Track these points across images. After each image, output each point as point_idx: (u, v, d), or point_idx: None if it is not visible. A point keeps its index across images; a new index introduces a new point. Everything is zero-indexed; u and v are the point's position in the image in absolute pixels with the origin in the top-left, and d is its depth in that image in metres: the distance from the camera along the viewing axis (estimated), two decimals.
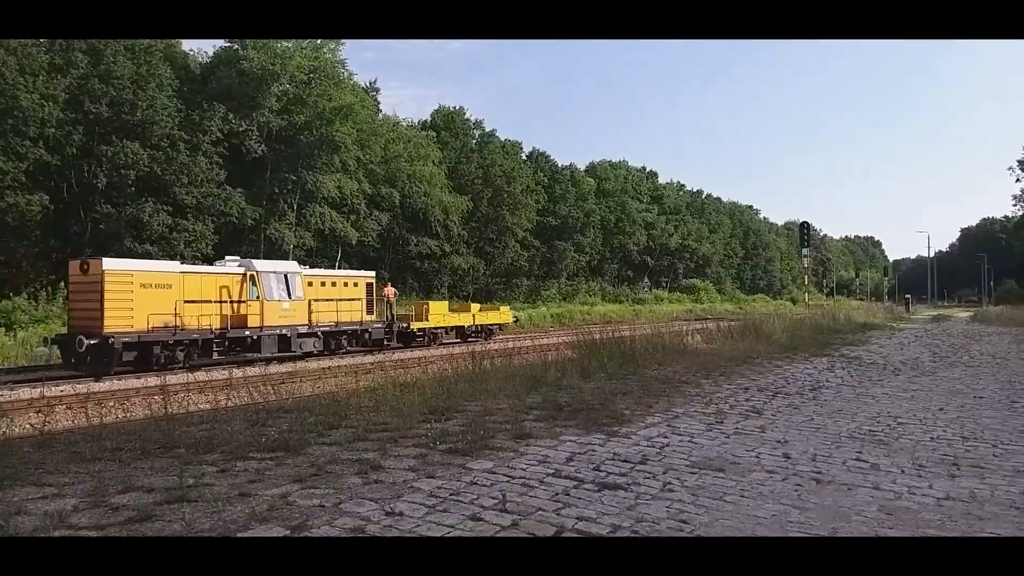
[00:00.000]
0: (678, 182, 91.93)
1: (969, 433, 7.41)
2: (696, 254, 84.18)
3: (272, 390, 9.77)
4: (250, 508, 4.56)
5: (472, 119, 60.31)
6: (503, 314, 34.23)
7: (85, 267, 19.30)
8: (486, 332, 31.88)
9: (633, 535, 4.20)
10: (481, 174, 55.38)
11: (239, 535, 4.08)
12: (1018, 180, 71.05)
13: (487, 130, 60.99)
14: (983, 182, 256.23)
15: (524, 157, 65.02)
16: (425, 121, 57.86)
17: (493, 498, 4.85)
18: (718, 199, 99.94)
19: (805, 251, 39.35)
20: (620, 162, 79.05)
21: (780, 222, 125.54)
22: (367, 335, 26.10)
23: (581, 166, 73.00)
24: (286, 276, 23.63)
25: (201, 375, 18.17)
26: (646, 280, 76.97)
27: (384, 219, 45.45)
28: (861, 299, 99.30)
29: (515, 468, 5.67)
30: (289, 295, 23.42)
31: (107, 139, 32.35)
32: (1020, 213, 75.58)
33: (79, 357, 18.29)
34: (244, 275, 22.44)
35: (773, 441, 6.89)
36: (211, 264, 25.21)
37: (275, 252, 38.52)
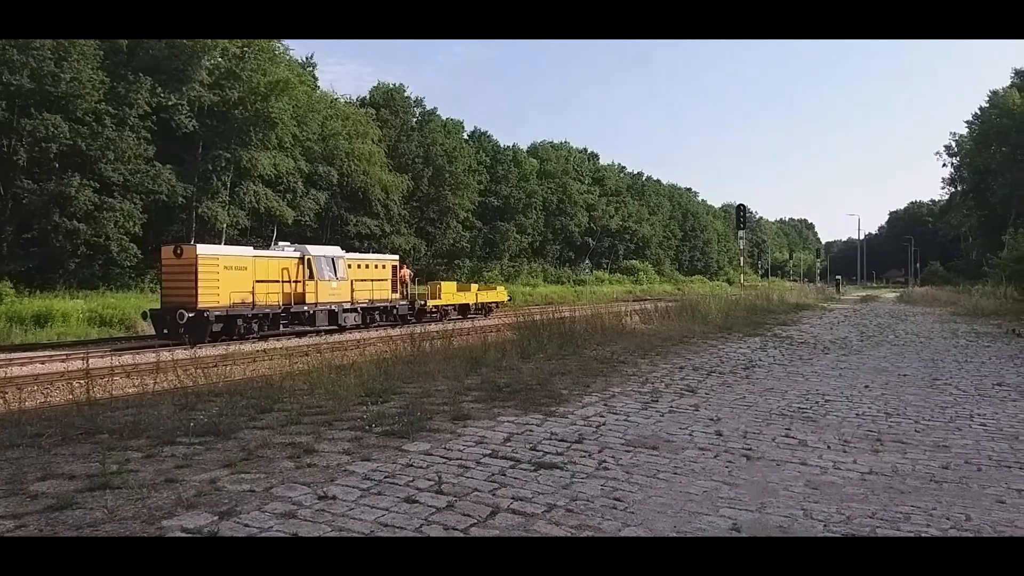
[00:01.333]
0: (619, 164, 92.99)
1: (892, 410, 7.68)
2: (636, 235, 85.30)
3: (202, 373, 9.49)
4: (176, 494, 4.42)
5: (412, 97, 59.60)
6: (500, 293, 37.68)
7: (179, 251, 22.32)
8: (485, 309, 35.12)
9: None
10: (422, 153, 54.75)
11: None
12: (944, 165, 73.94)
13: (428, 108, 60.35)
14: (912, 167, 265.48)
15: (466, 136, 64.59)
16: (364, 98, 56.81)
17: (429, 480, 4.80)
18: (658, 181, 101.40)
19: (741, 233, 40.31)
20: (562, 143, 79.39)
21: (717, 204, 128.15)
22: (395, 311, 29.54)
23: (523, 146, 73.01)
24: (333, 259, 26.85)
25: (128, 358, 17.69)
26: (587, 261, 77.68)
27: (322, 198, 44.55)
28: (794, 280, 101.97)
29: (452, 450, 5.64)
30: (336, 276, 26.57)
31: (28, 112, 30.83)
32: (947, 197, 78.63)
33: (174, 328, 20.92)
34: (301, 258, 25.51)
35: (706, 419, 7.02)
36: (268, 248, 27.84)
37: (207, 231, 37.40)
